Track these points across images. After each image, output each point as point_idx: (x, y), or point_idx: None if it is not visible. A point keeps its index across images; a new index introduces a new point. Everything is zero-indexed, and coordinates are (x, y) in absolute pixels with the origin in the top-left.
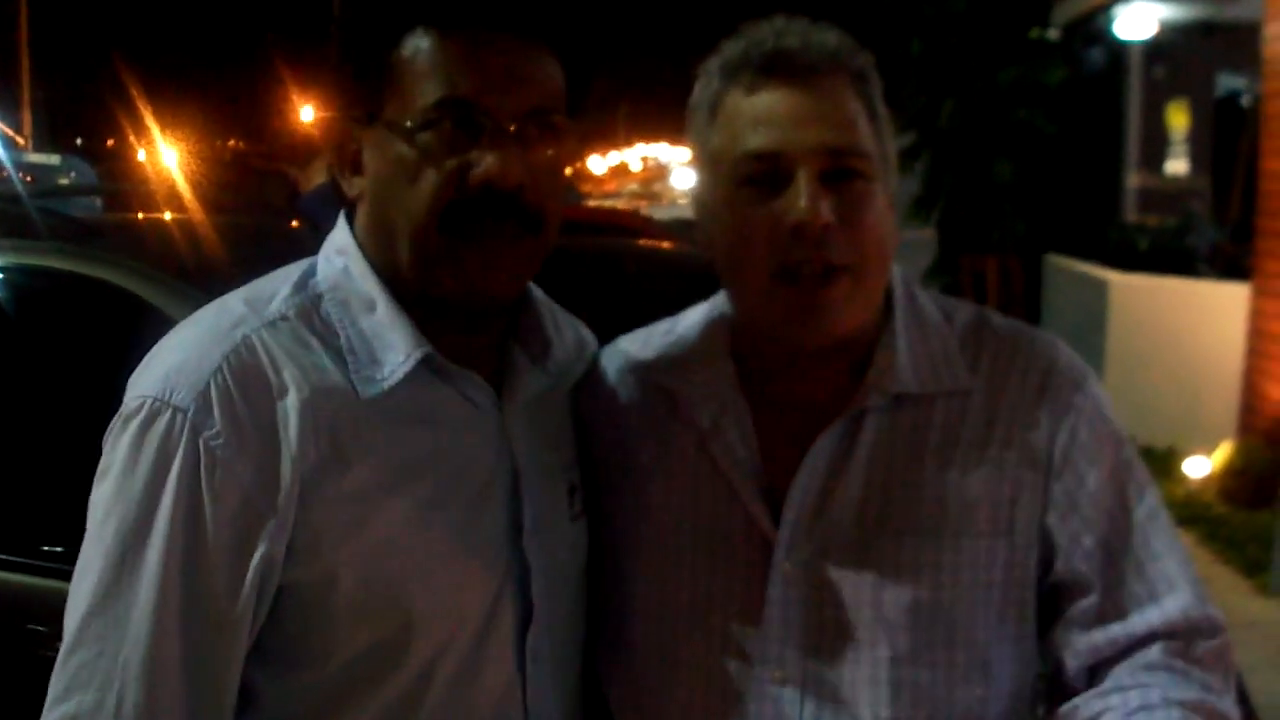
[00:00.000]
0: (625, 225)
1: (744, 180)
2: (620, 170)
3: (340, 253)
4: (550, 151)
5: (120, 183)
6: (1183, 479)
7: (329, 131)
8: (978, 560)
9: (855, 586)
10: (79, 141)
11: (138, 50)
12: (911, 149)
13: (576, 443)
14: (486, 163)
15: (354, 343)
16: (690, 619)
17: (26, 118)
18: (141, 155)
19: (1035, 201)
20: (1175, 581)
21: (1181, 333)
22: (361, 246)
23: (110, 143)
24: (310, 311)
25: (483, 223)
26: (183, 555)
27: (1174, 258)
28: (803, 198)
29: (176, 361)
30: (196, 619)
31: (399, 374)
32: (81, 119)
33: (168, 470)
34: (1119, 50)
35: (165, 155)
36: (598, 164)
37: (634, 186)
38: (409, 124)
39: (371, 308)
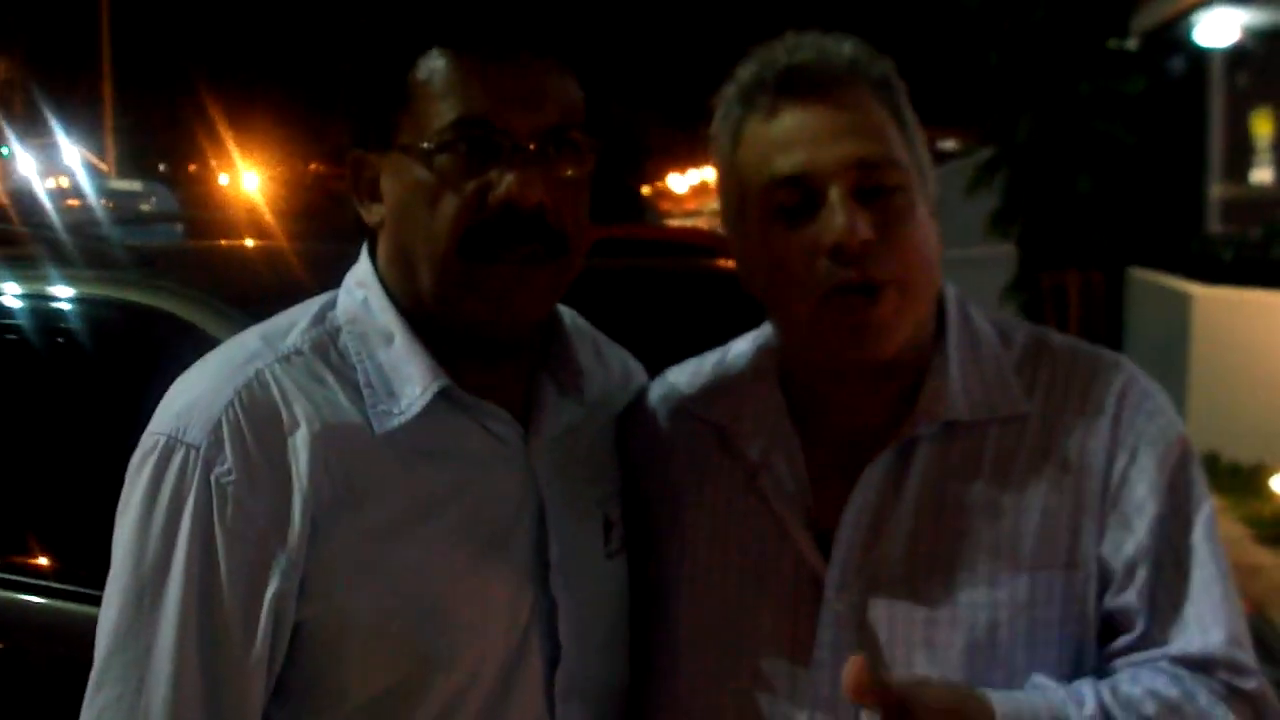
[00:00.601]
0: (701, 244)
1: (776, 208)
2: (701, 189)
3: (360, 285)
4: (572, 170)
5: (200, 207)
6: (1271, 496)
7: (347, 159)
8: (1036, 596)
9: (908, 626)
10: (162, 167)
11: (220, 75)
12: (990, 163)
13: (620, 475)
14: (506, 182)
15: (371, 376)
16: (736, 658)
17: (110, 144)
18: (224, 180)
19: (1116, 214)
20: (1208, 624)
21: (1268, 346)
22: (382, 277)
23: (192, 168)
24: (327, 345)
25: (504, 244)
26: (199, 593)
27: (1260, 269)
28: (838, 216)
29: (190, 398)
30: (216, 656)
31: (415, 408)
32: (164, 145)
33: (182, 508)
34: (1200, 58)
35: (247, 180)
36: (678, 183)
37: (715, 205)
38: (426, 146)
39: (389, 340)
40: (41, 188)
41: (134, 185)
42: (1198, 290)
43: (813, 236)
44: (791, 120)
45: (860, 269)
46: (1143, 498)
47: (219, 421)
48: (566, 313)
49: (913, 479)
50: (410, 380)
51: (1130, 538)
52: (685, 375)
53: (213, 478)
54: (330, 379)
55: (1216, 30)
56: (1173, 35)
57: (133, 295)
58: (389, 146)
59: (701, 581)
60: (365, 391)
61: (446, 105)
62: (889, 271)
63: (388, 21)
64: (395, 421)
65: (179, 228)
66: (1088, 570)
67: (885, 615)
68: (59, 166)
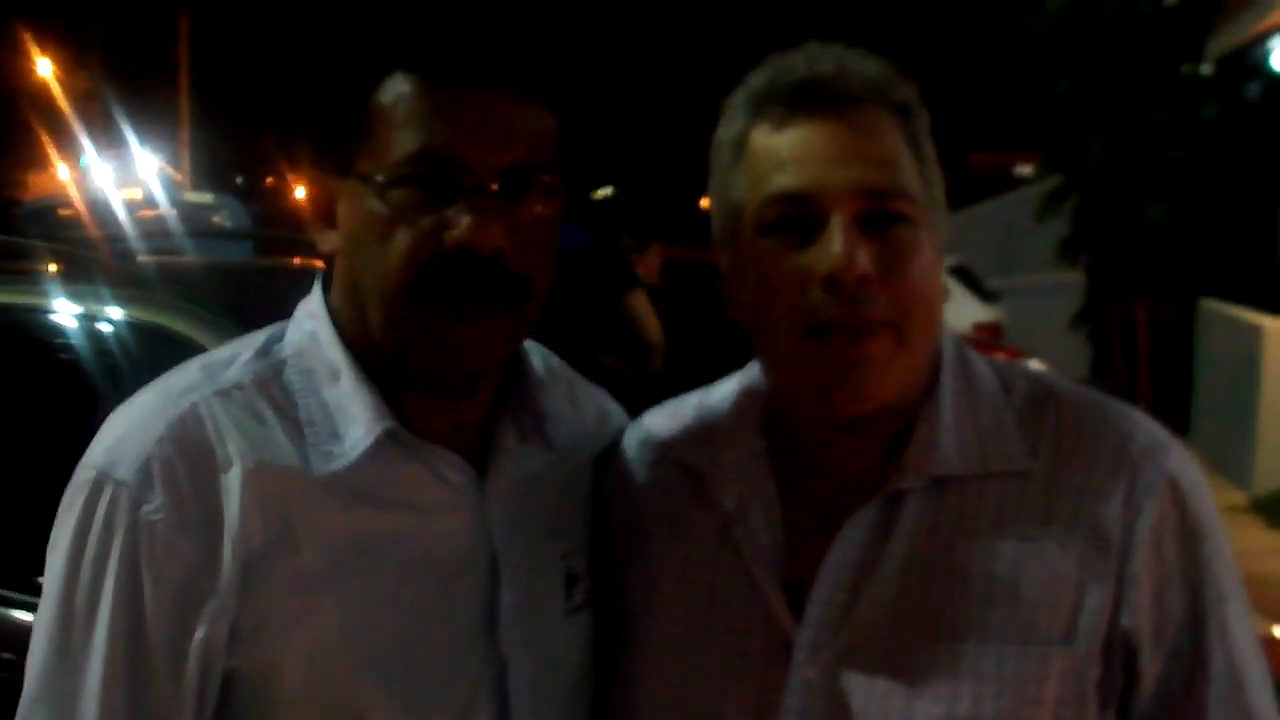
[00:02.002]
0: None
1: (770, 227)
2: None
3: (310, 316)
4: (539, 211)
5: (273, 222)
6: None
7: (307, 182)
8: (1029, 671)
9: (884, 698)
10: (239, 180)
11: (297, 87)
12: (1059, 190)
13: (592, 526)
14: (463, 224)
15: (314, 414)
16: None
17: (185, 156)
18: (300, 193)
19: (1188, 243)
20: (1262, 710)
21: None
22: (333, 309)
23: (270, 181)
24: (269, 380)
25: (458, 288)
26: (126, 637)
27: None
28: (836, 244)
29: (122, 431)
30: (142, 705)
31: (358, 450)
32: (242, 157)
33: (110, 548)
34: (1277, 83)
35: None
36: None
37: None
38: (382, 178)
39: (336, 377)
40: (117, 198)
41: (206, 198)
42: (1270, 323)
43: (807, 263)
44: (801, 135)
45: (853, 306)
46: (1169, 569)
47: (149, 457)
48: (538, 354)
49: (898, 537)
50: (355, 420)
51: (1159, 613)
52: (663, 417)
53: (141, 516)
54: (270, 415)
55: None
56: (1248, 60)
57: (142, 313)
58: (347, 172)
59: (666, 639)
60: (307, 430)
61: (407, 136)
62: (885, 311)
63: (353, 39)
64: (336, 463)
65: (249, 244)
66: (1091, 646)
67: (860, 684)
68: (135, 178)
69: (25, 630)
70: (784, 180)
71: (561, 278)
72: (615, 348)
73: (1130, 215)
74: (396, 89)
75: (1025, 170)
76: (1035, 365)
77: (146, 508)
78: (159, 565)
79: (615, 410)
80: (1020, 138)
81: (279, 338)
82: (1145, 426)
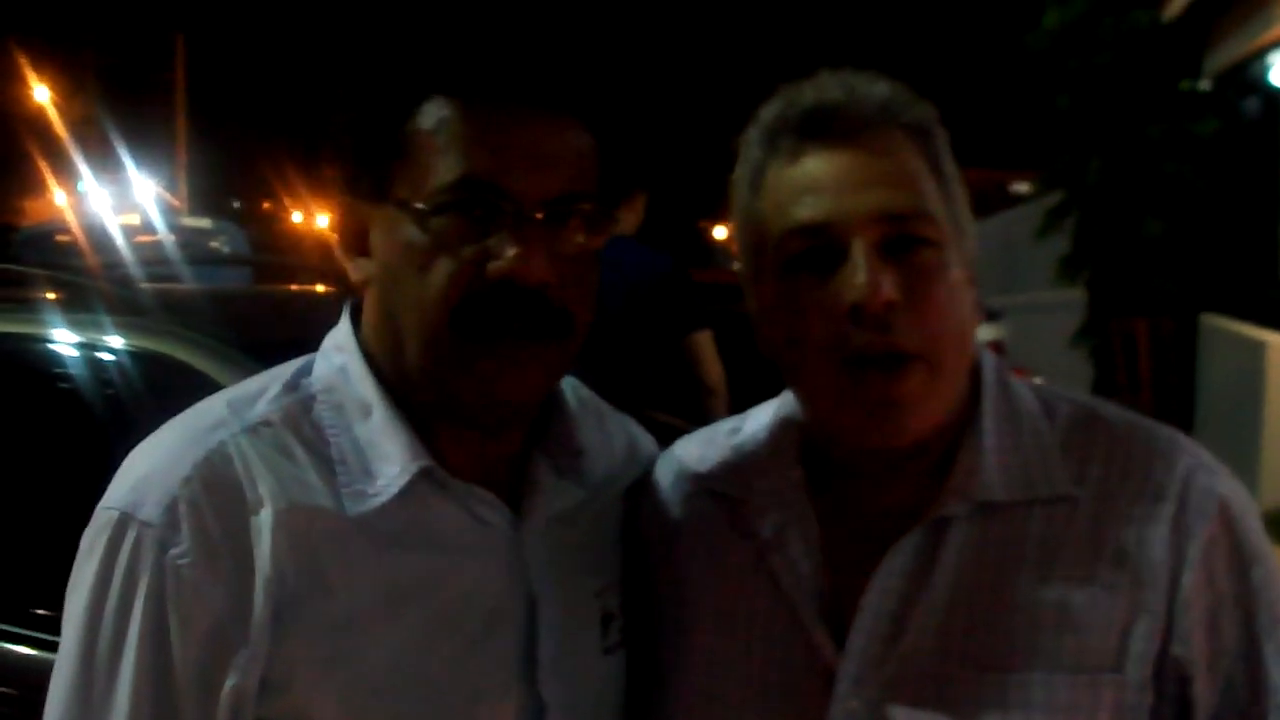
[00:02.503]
0: None
1: (793, 261)
2: None
3: (339, 349)
4: (581, 242)
5: (271, 247)
6: None
7: (336, 207)
8: (1079, 702)
9: None
10: (236, 204)
11: (295, 110)
12: (1059, 207)
13: (624, 561)
14: (507, 255)
15: (345, 452)
16: None
17: (183, 181)
18: (297, 217)
19: (1188, 259)
20: None
21: None
22: (366, 341)
23: (266, 205)
24: (298, 416)
25: (500, 321)
26: (152, 686)
27: None
28: (859, 273)
29: (146, 469)
30: None
31: (392, 489)
32: (239, 182)
33: (135, 593)
34: (1275, 99)
35: (321, 220)
36: None
37: None
38: (421, 206)
39: (367, 413)
40: (115, 223)
41: (203, 223)
42: (1272, 338)
43: (832, 295)
44: (815, 165)
45: (882, 335)
46: (1221, 595)
47: (176, 498)
48: (568, 384)
49: (943, 565)
50: (388, 459)
51: (1212, 640)
52: (696, 446)
53: (168, 560)
54: (300, 453)
55: None
56: (1247, 76)
57: (142, 341)
58: (383, 198)
59: (704, 671)
60: (339, 469)
61: (448, 162)
62: (915, 340)
63: (391, 60)
64: (370, 503)
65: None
66: (1142, 674)
67: (906, 716)
68: (133, 203)
69: (26, 665)
70: (802, 212)
71: (631, 304)
72: (671, 393)
73: (1130, 231)
74: (437, 113)
75: (1021, 188)
76: (1039, 384)
77: (173, 551)
78: (187, 611)
79: (645, 439)
80: (1016, 155)
81: (307, 371)
82: (1193, 450)
